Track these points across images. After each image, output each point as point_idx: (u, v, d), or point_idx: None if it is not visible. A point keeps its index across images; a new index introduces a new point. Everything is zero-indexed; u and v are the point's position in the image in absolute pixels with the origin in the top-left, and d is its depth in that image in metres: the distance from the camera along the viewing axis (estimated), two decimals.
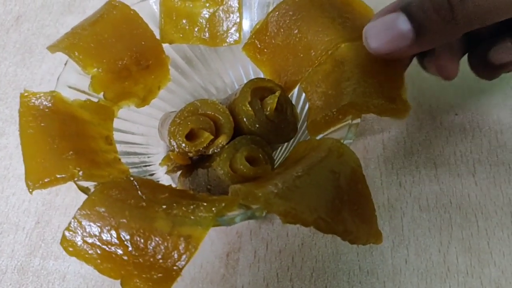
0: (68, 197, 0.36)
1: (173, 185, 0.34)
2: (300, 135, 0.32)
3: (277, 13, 0.32)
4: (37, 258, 0.34)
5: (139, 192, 0.25)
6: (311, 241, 0.33)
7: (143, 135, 0.35)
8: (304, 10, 0.32)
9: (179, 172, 0.33)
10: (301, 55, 0.31)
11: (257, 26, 0.33)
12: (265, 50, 0.33)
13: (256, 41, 0.33)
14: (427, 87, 0.39)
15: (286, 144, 0.33)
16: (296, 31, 0.31)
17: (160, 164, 0.34)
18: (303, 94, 0.35)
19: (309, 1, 0.32)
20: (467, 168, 0.35)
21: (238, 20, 0.34)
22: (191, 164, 0.32)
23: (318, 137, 0.29)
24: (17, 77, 0.44)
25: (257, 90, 0.31)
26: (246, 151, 0.28)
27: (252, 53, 0.34)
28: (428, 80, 0.39)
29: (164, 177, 0.34)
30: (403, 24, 0.24)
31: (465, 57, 0.33)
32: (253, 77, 0.37)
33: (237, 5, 0.34)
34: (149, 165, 0.34)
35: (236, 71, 0.38)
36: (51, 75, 0.43)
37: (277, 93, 0.30)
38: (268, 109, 0.30)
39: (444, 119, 0.37)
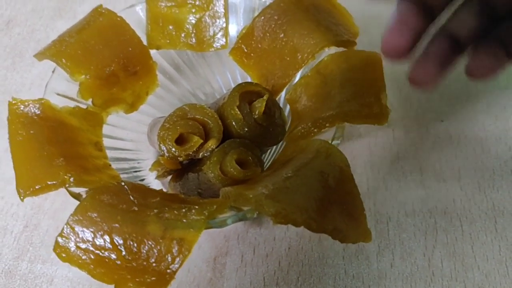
0: (57, 201, 0.36)
1: (164, 190, 0.34)
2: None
3: (262, 17, 0.33)
4: (24, 262, 0.34)
5: (130, 196, 0.26)
6: (297, 245, 0.33)
7: (132, 141, 0.35)
8: (289, 14, 0.32)
9: (169, 177, 0.34)
10: (288, 59, 0.32)
11: (243, 31, 0.33)
12: (252, 54, 0.34)
13: (242, 46, 0.34)
14: (414, 94, 0.40)
15: (275, 146, 0.34)
16: (282, 35, 0.32)
17: (150, 169, 0.34)
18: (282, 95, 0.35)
19: (293, 5, 0.33)
20: (452, 173, 0.35)
21: (224, 25, 0.34)
22: (181, 169, 0.32)
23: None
24: (7, 81, 0.43)
25: (245, 94, 0.31)
26: (236, 154, 0.29)
27: (239, 57, 0.34)
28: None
29: (154, 182, 0.34)
30: None
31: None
32: (240, 81, 0.38)
33: (223, 11, 0.34)
34: (139, 171, 0.34)
35: (223, 76, 0.38)
36: (41, 80, 0.43)
37: (265, 97, 0.30)
38: (257, 112, 0.30)
39: (430, 125, 0.38)
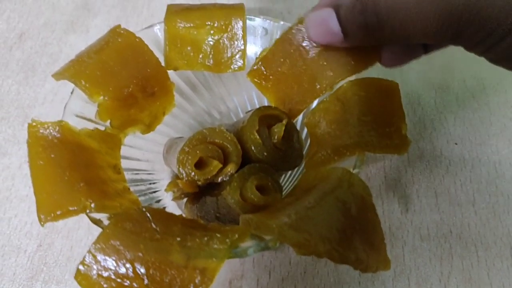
0: (70, 220, 0.36)
1: (180, 211, 0.34)
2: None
3: (284, 41, 0.32)
4: (38, 282, 0.34)
5: (152, 224, 0.26)
6: (313, 269, 0.33)
7: (148, 161, 0.35)
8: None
9: (185, 199, 0.34)
10: (306, 86, 0.32)
11: (264, 53, 0.33)
12: (271, 77, 0.34)
13: (262, 68, 0.33)
14: (427, 116, 0.40)
15: (291, 171, 0.34)
16: (301, 62, 0.32)
17: (165, 190, 0.34)
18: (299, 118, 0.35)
19: None
20: (467, 197, 0.36)
21: (242, 47, 0.34)
22: (199, 192, 0.32)
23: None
24: (20, 95, 0.43)
25: (264, 117, 0.31)
26: (256, 180, 0.29)
27: (257, 79, 0.34)
28: (429, 109, 0.40)
29: (170, 204, 0.34)
30: (334, 24, 0.26)
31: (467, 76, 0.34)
32: (256, 102, 0.38)
33: (242, 33, 0.34)
34: (155, 191, 0.34)
35: (239, 96, 0.38)
36: (54, 95, 0.43)
37: (284, 122, 0.31)
38: (276, 137, 0.30)
39: (444, 148, 0.38)
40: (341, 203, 0.26)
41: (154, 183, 0.35)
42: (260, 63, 0.33)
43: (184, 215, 0.33)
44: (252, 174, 0.29)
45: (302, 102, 0.32)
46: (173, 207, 0.34)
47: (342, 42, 0.26)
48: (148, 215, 0.26)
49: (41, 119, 0.38)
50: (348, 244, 0.25)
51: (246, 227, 0.27)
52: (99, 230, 0.35)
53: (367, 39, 0.26)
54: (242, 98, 0.38)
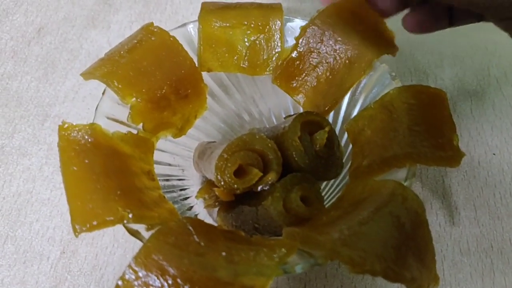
0: None
1: (210, 219, 0.33)
2: (346, 172, 0.31)
3: (306, 36, 0.32)
4: None
5: (195, 237, 0.24)
6: (350, 283, 0.32)
7: (179, 167, 0.33)
8: (334, 27, 0.32)
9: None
10: (340, 72, 0.31)
11: (286, 54, 0.32)
12: (296, 77, 0.33)
13: (287, 69, 0.32)
14: (464, 126, 0.39)
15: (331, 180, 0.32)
16: (329, 49, 0.31)
17: (196, 196, 0.33)
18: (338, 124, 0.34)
19: (335, 18, 0.32)
20: (507, 210, 0.34)
21: (279, 49, 0.33)
22: (234, 200, 0.31)
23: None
24: (39, 93, 0.41)
25: (306, 123, 0.30)
26: (301, 191, 0.27)
27: (282, 81, 0.33)
28: (465, 118, 0.39)
29: (202, 211, 0.32)
30: None
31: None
32: (290, 106, 0.36)
33: (279, 34, 0.33)
34: (186, 198, 0.33)
35: (272, 99, 0.37)
36: (75, 93, 0.41)
37: (327, 129, 0.29)
38: (318, 145, 0.29)
39: (482, 159, 0.37)
40: (395, 218, 0.24)
41: (184, 189, 0.33)
42: (284, 64, 0.32)
43: (216, 224, 0.32)
44: (296, 184, 0.28)
45: (332, 99, 0.31)
46: (204, 214, 0.33)
47: None
48: (190, 227, 0.24)
49: (63, 119, 0.37)
50: (403, 262, 0.23)
51: (292, 241, 0.25)
52: (125, 237, 0.33)
53: None
54: (275, 101, 0.36)
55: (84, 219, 0.24)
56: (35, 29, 0.45)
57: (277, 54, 0.33)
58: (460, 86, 0.41)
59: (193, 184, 0.34)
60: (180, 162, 0.34)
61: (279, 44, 0.33)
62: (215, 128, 0.37)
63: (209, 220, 0.33)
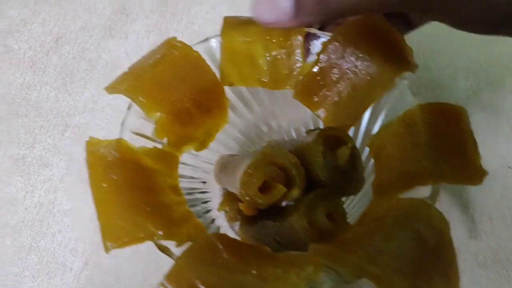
0: None
1: (231, 231, 0.33)
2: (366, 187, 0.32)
3: (327, 52, 0.32)
4: None
5: (224, 254, 0.24)
6: None
7: (200, 179, 0.34)
8: (355, 43, 0.32)
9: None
10: (361, 88, 0.31)
11: (308, 68, 0.32)
12: (318, 93, 0.33)
13: (307, 83, 0.33)
14: (478, 138, 0.39)
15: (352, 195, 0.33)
16: (350, 65, 0.31)
17: (218, 209, 0.33)
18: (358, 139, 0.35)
19: (356, 34, 0.32)
20: None
21: (300, 64, 0.33)
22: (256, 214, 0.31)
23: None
24: (58, 103, 0.42)
25: (328, 139, 0.30)
26: (326, 208, 0.28)
27: (303, 95, 0.33)
28: (479, 131, 0.39)
29: (224, 224, 0.33)
30: (283, 1, 0.24)
31: None
32: (310, 119, 0.37)
33: (301, 50, 0.33)
34: (208, 211, 0.33)
35: (292, 112, 0.37)
36: (94, 103, 0.41)
37: (350, 144, 0.30)
38: (341, 161, 0.29)
39: (498, 172, 0.37)
40: (420, 236, 0.25)
41: (206, 201, 0.34)
42: (305, 78, 0.33)
43: (237, 236, 0.32)
44: (321, 200, 0.28)
45: (353, 115, 0.32)
46: (226, 227, 0.33)
47: (291, 20, 0.25)
48: (220, 246, 0.25)
49: (82, 129, 0.37)
50: (429, 280, 0.24)
51: (318, 258, 0.26)
52: (148, 248, 0.34)
53: (323, 15, 0.25)
54: (294, 114, 0.37)
55: (115, 236, 0.25)
56: (53, 39, 0.45)
57: (298, 69, 0.33)
58: (475, 98, 0.41)
59: (214, 196, 0.34)
60: (202, 175, 0.34)
61: (300, 60, 0.33)
62: (234, 139, 0.37)
63: (231, 233, 0.33)
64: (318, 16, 0.25)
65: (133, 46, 0.44)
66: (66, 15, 0.47)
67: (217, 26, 0.32)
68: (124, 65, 0.30)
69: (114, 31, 0.46)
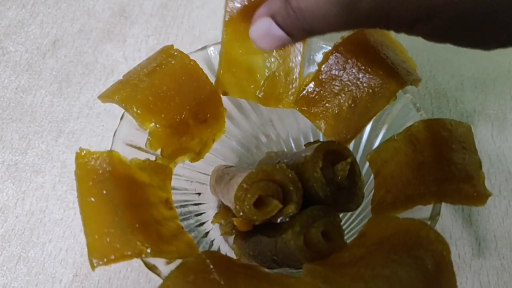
0: None
1: (226, 245, 0.32)
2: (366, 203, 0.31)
3: (328, 63, 0.32)
4: None
5: (215, 275, 0.23)
6: None
7: (195, 191, 0.33)
8: (358, 55, 0.31)
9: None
10: (362, 101, 0.30)
11: (307, 79, 0.32)
12: (318, 103, 0.32)
13: (308, 95, 0.32)
14: (485, 151, 0.38)
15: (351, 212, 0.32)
16: (352, 77, 0.30)
17: (212, 222, 0.32)
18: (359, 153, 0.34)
19: (359, 46, 0.31)
20: None
21: (296, 84, 0.32)
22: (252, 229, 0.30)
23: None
24: (53, 108, 0.41)
25: (327, 153, 0.29)
26: (322, 226, 0.26)
27: (304, 107, 0.32)
28: (486, 143, 0.38)
29: (218, 237, 0.32)
30: (277, 31, 0.26)
31: None
32: (309, 129, 0.36)
33: (299, 68, 0.32)
34: (202, 224, 0.32)
35: (290, 121, 0.36)
36: (89, 109, 0.41)
37: (349, 159, 0.29)
38: (340, 176, 0.28)
39: (503, 187, 0.36)
40: (419, 261, 0.24)
41: (200, 214, 0.33)
42: (305, 89, 0.32)
43: (232, 249, 0.32)
44: (317, 218, 0.27)
45: (354, 128, 0.31)
46: (220, 240, 0.32)
47: (291, 41, 0.26)
48: (210, 265, 0.24)
49: (76, 135, 0.36)
50: None
51: (313, 280, 0.25)
52: (139, 261, 0.33)
53: (310, 35, 0.26)
54: (293, 124, 0.36)
55: (101, 253, 0.24)
56: (50, 41, 0.44)
57: (293, 89, 0.32)
58: (481, 110, 0.40)
59: (209, 208, 0.34)
60: (197, 187, 0.33)
61: (297, 80, 0.32)
62: (232, 150, 0.36)
63: (225, 246, 0.32)
64: (308, 37, 0.26)
65: (131, 51, 0.43)
66: (64, 17, 0.46)
67: (218, 31, 0.31)
68: (121, 70, 0.29)
69: (112, 35, 0.45)
